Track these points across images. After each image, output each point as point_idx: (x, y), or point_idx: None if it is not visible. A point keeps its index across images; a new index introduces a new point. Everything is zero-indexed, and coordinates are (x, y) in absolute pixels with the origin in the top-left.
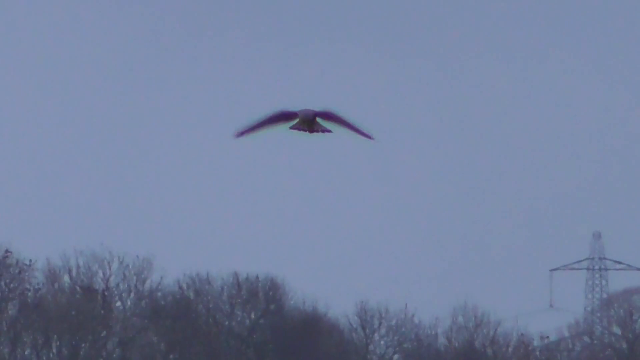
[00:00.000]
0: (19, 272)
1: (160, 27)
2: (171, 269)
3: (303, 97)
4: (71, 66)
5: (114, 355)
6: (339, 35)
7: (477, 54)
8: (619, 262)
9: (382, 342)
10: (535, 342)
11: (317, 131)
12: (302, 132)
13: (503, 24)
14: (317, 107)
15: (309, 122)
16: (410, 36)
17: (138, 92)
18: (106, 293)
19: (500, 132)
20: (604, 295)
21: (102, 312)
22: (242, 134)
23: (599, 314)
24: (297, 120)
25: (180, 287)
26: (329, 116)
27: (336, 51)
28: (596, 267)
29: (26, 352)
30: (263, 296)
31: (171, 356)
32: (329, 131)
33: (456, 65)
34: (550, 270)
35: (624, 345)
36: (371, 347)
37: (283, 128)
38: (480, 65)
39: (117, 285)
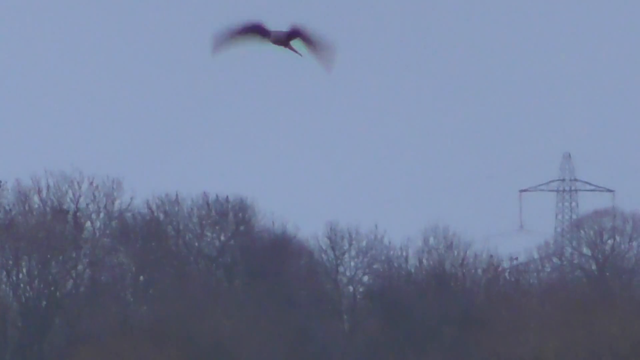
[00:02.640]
0: None
1: None
2: (141, 190)
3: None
4: None
5: (84, 276)
6: None
7: None
8: (589, 184)
9: (352, 264)
10: (505, 264)
11: (291, 49)
12: (277, 46)
13: None
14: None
15: (281, 42)
16: None
17: (106, 14)
18: (76, 214)
19: (470, 52)
20: (574, 217)
21: (72, 232)
22: (218, 45)
23: (568, 236)
24: (270, 39)
25: (150, 208)
26: (297, 33)
27: None
28: (566, 189)
29: None
30: (232, 217)
31: (141, 277)
32: (300, 54)
33: None
34: (520, 191)
35: (594, 267)
36: (341, 268)
37: (258, 43)
38: None
39: (87, 206)
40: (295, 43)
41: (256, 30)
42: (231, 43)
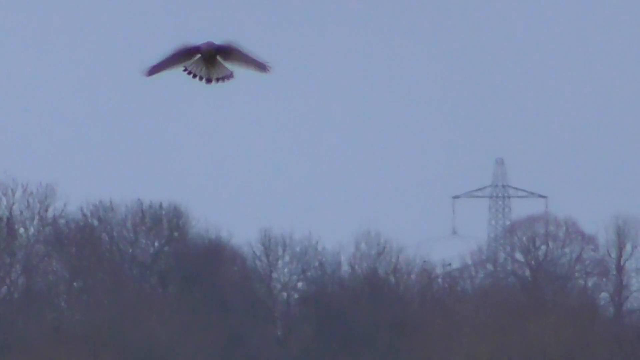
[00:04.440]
0: None
1: None
2: (75, 196)
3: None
4: None
5: (18, 282)
6: None
7: None
8: (522, 190)
9: (285, 270)
10: (438, 270)
11: (217, 79)
12: (196, 78)
13: None
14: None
15: (210, 57)
16: None
17: (36, 19)
18: (10, 220)
19: (400, 58)
20: (507, 223)
21: (6, 239)
22: (151, 72)
23: (502, 241)
24: (197, 56)
25: (84, 215)
26: (229, 49)
27: None
28: (499, 195)
29: None
30: (166, 224)
31: (75, 284)
32: (230, 77)
33: None
34: (453, 197)
35: (527, 273)
36: (275, 274)
37: (189, 62)
38: None
39: (21, 212)
40: (224, 60)
41: (186, 53)
42: (164, 69)
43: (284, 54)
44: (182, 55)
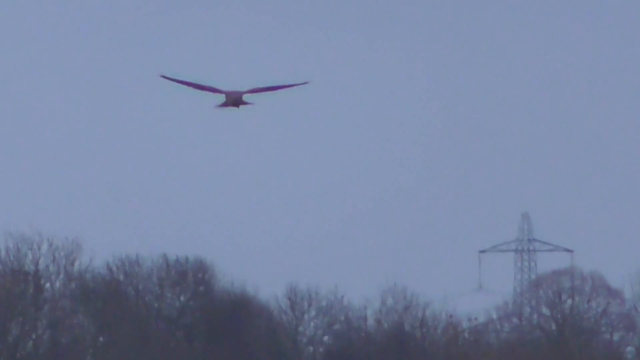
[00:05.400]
0: None
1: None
2: (100, 251)
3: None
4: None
5: (44, 337)
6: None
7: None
8: (548, 243)
9: (312, 324)
10: (464, 324)
11: (243, 104)
12: (228, 108)
13: None
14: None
15: (235, 103)
16: None
17: (62, 72)
18: (36, 275)
19: (425, 113)
20: (533, 277)
21: (32, 293)
22: (168, 78)
23: (527, 295)
24: (224, 99)
25: (110, 269)
26: (256, 91)
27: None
28: (525, 249)
29: None
30: (192, 278)
31: (101, 338)
32: (251, 103)
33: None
34: (479, 252)
35: (553, 327)
36: (301, 328)
37: (207, 96)
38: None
39: (47, 267)
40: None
41: (209, 90)
42: (181, 83)
43: (312, 109)
44: (204, 89)
